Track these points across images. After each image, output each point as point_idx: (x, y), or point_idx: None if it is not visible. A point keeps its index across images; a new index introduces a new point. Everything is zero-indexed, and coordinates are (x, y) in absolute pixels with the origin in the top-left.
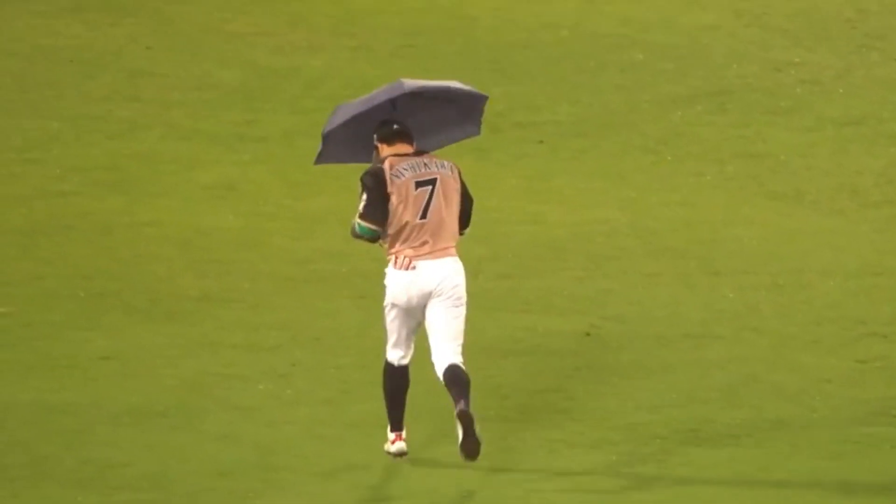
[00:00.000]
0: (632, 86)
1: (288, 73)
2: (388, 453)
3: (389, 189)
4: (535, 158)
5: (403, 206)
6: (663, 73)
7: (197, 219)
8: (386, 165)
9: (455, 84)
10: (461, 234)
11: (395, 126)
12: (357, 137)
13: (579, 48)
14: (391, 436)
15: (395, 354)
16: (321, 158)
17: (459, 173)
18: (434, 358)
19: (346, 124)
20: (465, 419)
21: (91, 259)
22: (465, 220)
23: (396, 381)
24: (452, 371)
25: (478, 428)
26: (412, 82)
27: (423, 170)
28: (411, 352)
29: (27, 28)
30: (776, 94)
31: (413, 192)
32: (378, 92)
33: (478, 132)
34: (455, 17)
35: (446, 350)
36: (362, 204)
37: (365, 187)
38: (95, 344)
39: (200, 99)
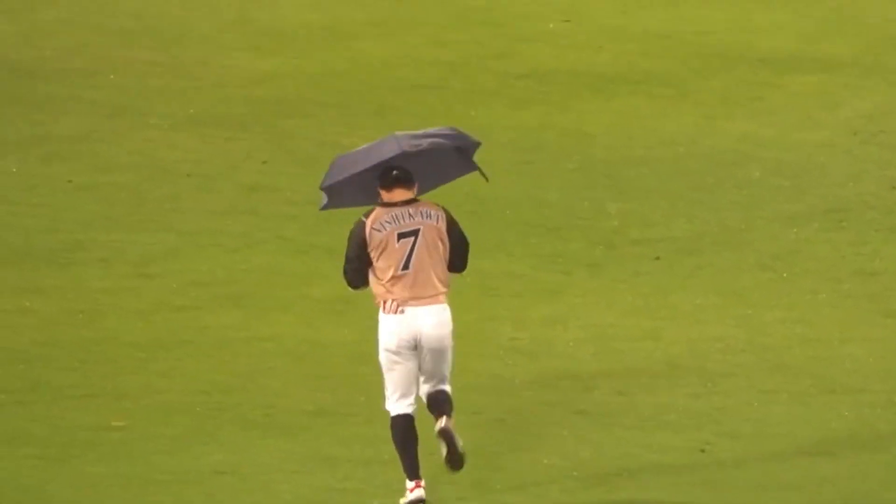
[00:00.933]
0: (748, 202)
1: None
2: (407, 502)
3: (369, 248)
4: (650, 275)
5: (385, 259)
6: (780, 189)
7: (313, 333)
8: (369, 221)
9: (447, 132)
10: (459, 272)
11: (395, 172)
12: (360, 187)
13: (696, 164)
14: (409, 484)
15: (396, 405)
16: (327, 206)
17: (448, 219)
18: (421, 393)
19: (349, 180)
20: (446, 435)
21: (208, 373)
22: (459, 263)
23: (403, 432)
24: (435, 394)
25: (459, 442)
26: (408, 140)
27: (406, 220)
28: (413, 400)
29: (144, 141)
30: (893, 211)
31: (395, 244)
32: (376, 149)
33: (474, 168)
34: (572, 134)
35: (431, 383)
36: (344, 262)
37: (347, 247)
38: (212, 458)
39: (316, 213)
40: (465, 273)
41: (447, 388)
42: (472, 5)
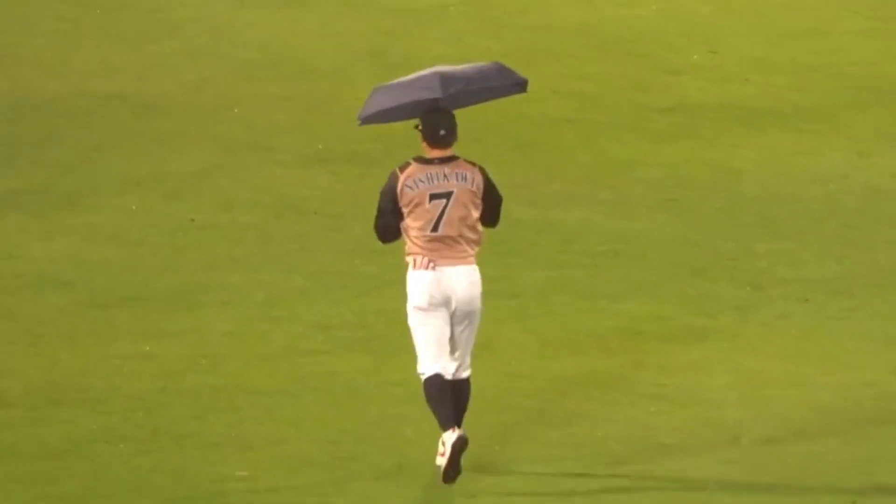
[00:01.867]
0: None
1: (543, 227)
2: (445, 442)
3: (400, 203)
4: (799, 318)
5: (416, 218)
6: None
7: None
8: (402, 177)
9: (492, 71)
10: (491, 227)
11: (442, 132)
12: (400, 114)
13: (848, 202)
14: (447, 433)
15: (430, 367)
16: (367, 122)
17: (485, 181)
18: None
19: (386, 112)
20: (455, 448)
21: (337, 421)
22: (492, 219)
23: (438, 389)
24: (458, 387)
25: (462, 458)
26: (450, 78)
27: (440, 181)
28: (448, 364)
29: (270, 178)
30: None
31: (426, 204)
32: (417, 83)
33: (522, 90)
34: (720, 170)
35: (453, 359)
36: (375, 215)
37: (379, 200)
38: None
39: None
40: (606, 315)
41: (468, 373)
42: (615, 36)
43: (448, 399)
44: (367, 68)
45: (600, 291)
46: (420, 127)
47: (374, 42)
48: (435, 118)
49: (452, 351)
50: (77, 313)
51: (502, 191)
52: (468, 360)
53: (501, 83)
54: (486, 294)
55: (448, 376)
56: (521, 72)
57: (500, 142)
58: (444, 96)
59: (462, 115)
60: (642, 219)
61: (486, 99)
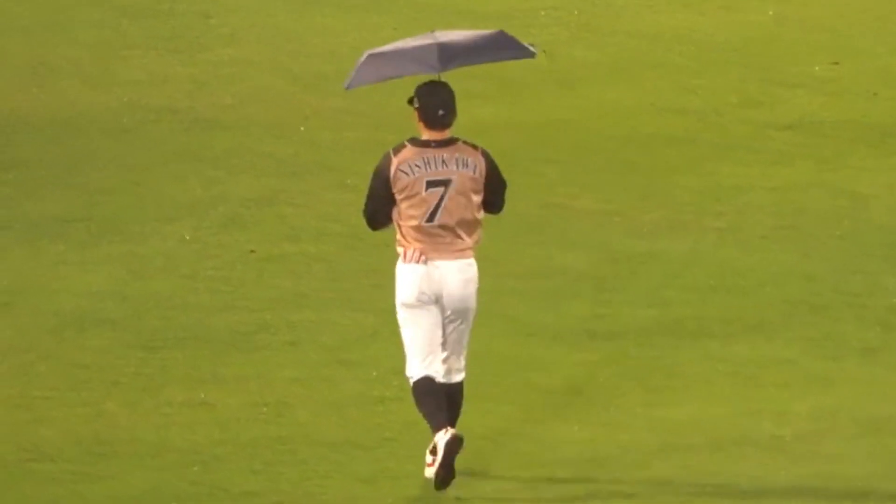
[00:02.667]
0: None
1: (645, 259)
2: (437, 445)
3: (394, 189)
4: None
5: (410, 206)
6: None
7: (536, 428)
8: (396, 160)
9: (494, 40)
10: (495, 214)
11: (440, 113)
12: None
13: None
14: (439, 433)
15: (417, 369)
16: (353, 84)
17: (488, 166)
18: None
19: (379, 77)
20: (449, 449)
21: (416, 476)
22: (496, 205)
23: (427, 392)
24: (450, 391)
25: (454, 461)
26: (450, 50)
27: (439, 167)
28: (437, 366)
29: (340, 205)
30: None
31: (422, 192)
32: (412, 54)
33: (527, 55)
34: (843, 195)
35: (446, 361)
36: (365, 198)
37: (370, 182)
38: None
39: (540, 288)
40: (715, 357)
41: (461, 377)
42: (723, 44)
43: (441, 400)
44: (447, 80)
45: (708, 331)
46: (415, 104)
47: None
48: (433, 96)
49: (448, 350)
50: (123, 356)
51: (597, 222)
52: (462, 362)
53: (507, 52)
54: (580, 333)
55: (439, 378)
56: (621, 84)
57: (594, 163)
58: (442, 71)
59: (550, 134)
60: (756, 250)
61: (487, 62)
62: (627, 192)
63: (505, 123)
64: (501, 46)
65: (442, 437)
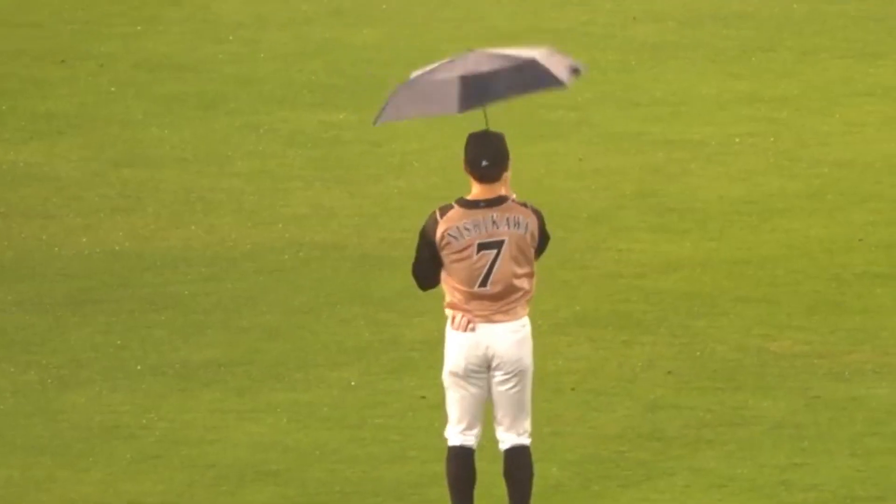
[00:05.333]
0: None
1: (847, 405)
2: None
3: (442, 254)
4: None
5: (460, 270)
6: None
7: None
8: (443, 222)
9: (531, 62)
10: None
11: (484, 163)
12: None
13: None
14: None
15: (456, 435)
16: (379, 120)
17: (539, 223)
18: (496, 431)
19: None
20: None
21: None
22: (537, 255)
23: (458, 470)
24: (514, 459)
25: None
26: (473, 86)
27: (489, 228)
28: (477, 433)
29: None
30: None
31: (473, 256)
32: (437, 89)
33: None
34: None
35: (508, 428)
36: (413, 261)
37: (417, 242)
38: None
39: (734, 436)
40: None
41: (527, 441)
42: None
43: (469, 488)
44: (634, 213)
45: None
46: (465, 162)
47: (643, 182)
48: (478, 146)
49: (503, 420)
50: None
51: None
52: (527, 425)
53: (535, 84)
54: (778, 485)
55: (473, 446)
56: (823, 216)
57: (795, 304)
58: (460, 112)
59: (747, 271)
60: None
61: (513, 97)
62: (831, 332)
63: (700, 260)
64: (530, 79)
65: None
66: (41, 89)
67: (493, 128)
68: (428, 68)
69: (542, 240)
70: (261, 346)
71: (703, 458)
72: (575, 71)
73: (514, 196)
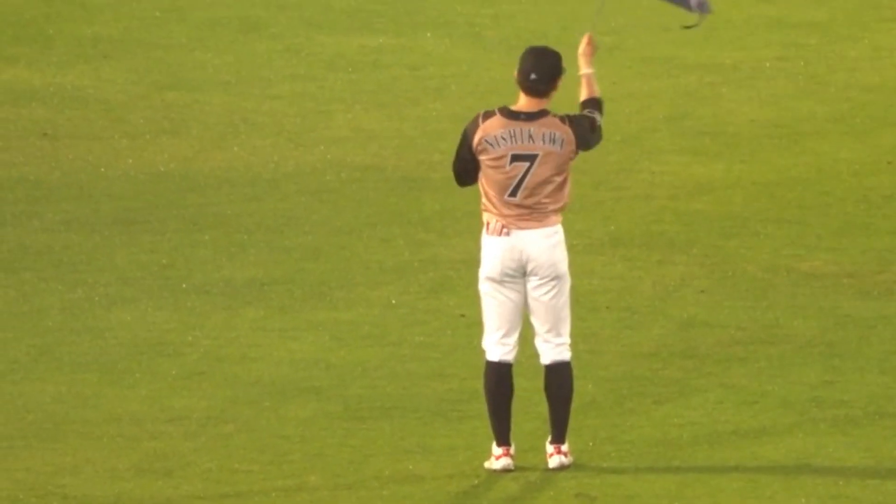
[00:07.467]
0: None
1: (876, 323)
2: (491, 470)
3: (478, 156)
4: None
5: (493, 176)
6: None
7: None
8: (482, 128)
9: None
10: (590, 149)
11: (533, 77)
12: None
13: None
14: (496, 450)
15: (494, 347)
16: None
17: (575, 132)
18: (535, 344)
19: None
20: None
21: None
22: (588, 146)
23: (497, 385)
24: (555, 375)
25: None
26: None
27: (525, 141)
28: (514, 346)
29: None
30: None
31: (506, 166)
32: None
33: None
34: None
35: (547, 338)
36: (454, 156)
37: (459, 141)
38: None
39: (766, 354)
40: None
41: (567, 355)
42: None
43: (506, 404)
44: (667, 136)
45: None
46: (516, 74)
47: (675, 104)
48: (530, 60)
49: (542, 328)
50: (327, 427)
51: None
52: (565, 337)
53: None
54: (809, 402)
55: (511, 360)
56: (852, 139)
57: (824, 225)
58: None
59: (777, 193)
60: None
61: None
62: (860, 252)
63: (731, 182)
64: None
65: (551, 464)
66: (87, 14)
67: (578, 29)
68: None
69: (585, 138)
70: (303, 265)
71: (735, 375)
72: (702, 6)
73: (553, 112)
